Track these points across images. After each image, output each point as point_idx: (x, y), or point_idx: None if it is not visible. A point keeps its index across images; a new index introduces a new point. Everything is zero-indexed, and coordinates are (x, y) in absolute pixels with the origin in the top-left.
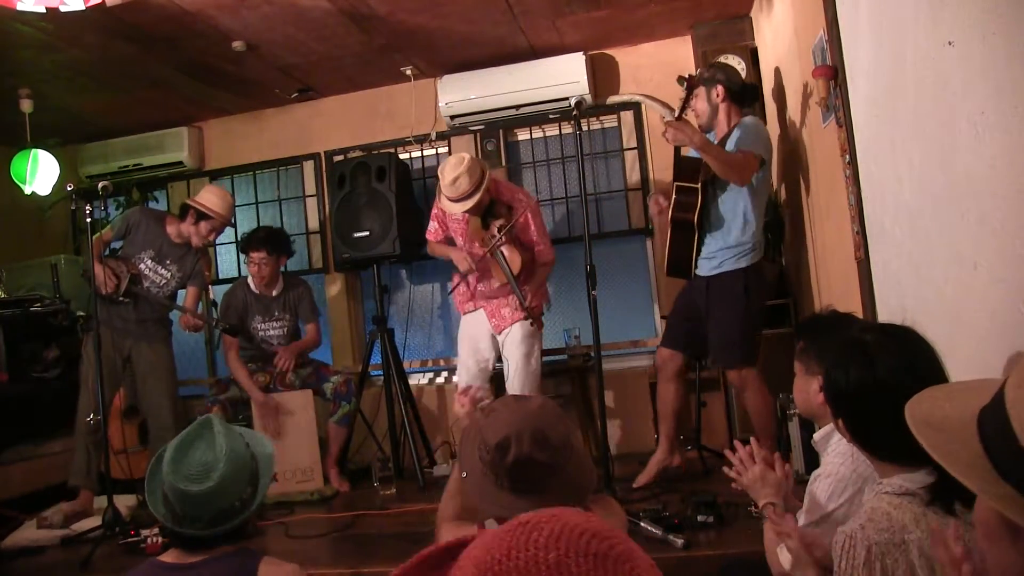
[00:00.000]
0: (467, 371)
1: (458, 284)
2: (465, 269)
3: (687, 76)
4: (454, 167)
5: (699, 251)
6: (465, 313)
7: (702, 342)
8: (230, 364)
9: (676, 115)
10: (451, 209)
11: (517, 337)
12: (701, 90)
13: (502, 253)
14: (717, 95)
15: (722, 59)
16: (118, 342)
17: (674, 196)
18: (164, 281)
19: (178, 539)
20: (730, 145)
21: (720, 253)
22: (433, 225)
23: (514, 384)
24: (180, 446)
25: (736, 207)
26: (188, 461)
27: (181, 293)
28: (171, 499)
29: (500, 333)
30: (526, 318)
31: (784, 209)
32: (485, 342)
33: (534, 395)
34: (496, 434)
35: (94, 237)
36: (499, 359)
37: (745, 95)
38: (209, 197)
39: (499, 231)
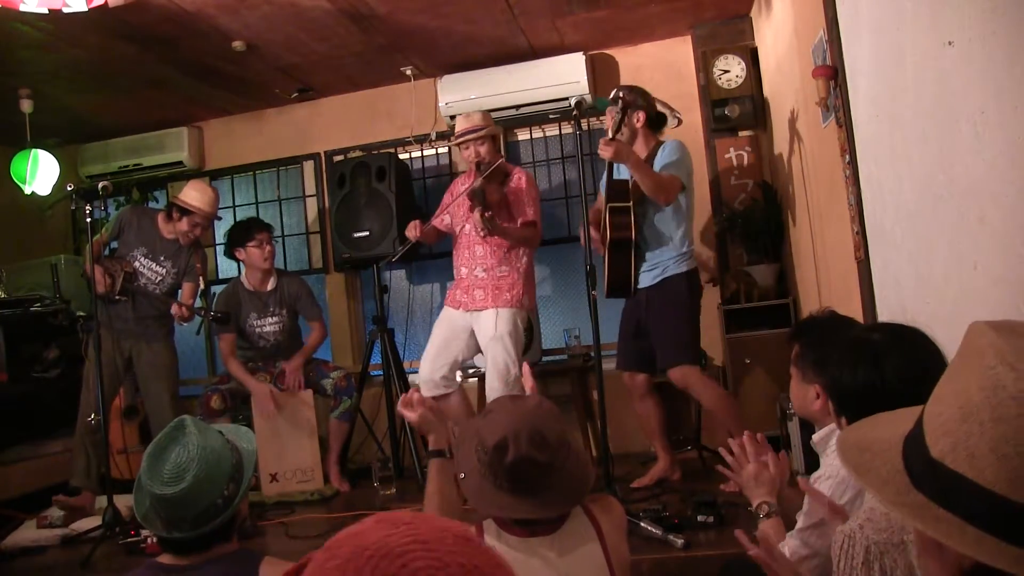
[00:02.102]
0: (434, 345)
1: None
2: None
3: (620, 95)
4: (470, 112)
5: (638, 266)
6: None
7: (653, 356)
8: (227, 365)
9: (611, 135)
10: (460, 138)
11: (490, 331)
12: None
13: (482, 190)
14: (638, 120)
15: (719, 59)
16: (119, 344)
17: (608, 217)
18: (159, 278)
19: (168, 545)
20: (656, 166)
21: (663, 261)
22: (445, 218)
23: (493, 384)
24: (155, 451)
25: (672, 220)
26: (162, 465)
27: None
28: (154, 505)
29: (468, 311)
30: (501, 306)
31: (785, 209)
32: (462, 322)
33: (530, 395)
34: (494, 435)
35: (94, 239)
36: (478, 350)
37: (660, 122)
38: (190, 192)
39: (484, 170)
